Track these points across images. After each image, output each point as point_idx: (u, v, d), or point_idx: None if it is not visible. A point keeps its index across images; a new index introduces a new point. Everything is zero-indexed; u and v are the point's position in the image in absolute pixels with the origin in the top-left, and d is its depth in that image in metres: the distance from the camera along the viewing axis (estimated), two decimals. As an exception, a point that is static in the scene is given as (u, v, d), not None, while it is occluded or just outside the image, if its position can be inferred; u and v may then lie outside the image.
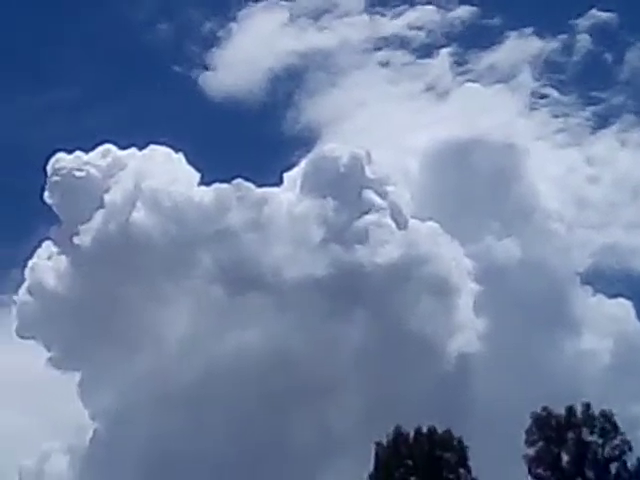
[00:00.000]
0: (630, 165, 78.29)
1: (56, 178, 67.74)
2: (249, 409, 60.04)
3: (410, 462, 47.53)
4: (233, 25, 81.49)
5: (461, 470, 47.31)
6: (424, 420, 48.24)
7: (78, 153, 68.47)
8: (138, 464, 61.32)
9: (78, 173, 67.41)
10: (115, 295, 64.94)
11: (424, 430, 47.80)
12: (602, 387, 60.84)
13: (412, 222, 66.36)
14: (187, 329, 64.32)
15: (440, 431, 47.85)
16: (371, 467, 47.89)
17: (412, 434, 47.69)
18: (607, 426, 47.94)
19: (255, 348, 62.35)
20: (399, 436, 47.68)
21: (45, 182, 68.04)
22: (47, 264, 67.52)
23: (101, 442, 63.45)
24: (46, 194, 67.94)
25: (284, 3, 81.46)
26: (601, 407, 48.56)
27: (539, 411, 48.20)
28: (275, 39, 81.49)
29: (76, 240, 65.72)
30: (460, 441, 47.52)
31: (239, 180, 66.61)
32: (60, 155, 68.40)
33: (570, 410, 47.95)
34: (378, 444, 47.64)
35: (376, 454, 47.81)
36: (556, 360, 64.19)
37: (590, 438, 48.01)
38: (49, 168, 68.10)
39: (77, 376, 64.88)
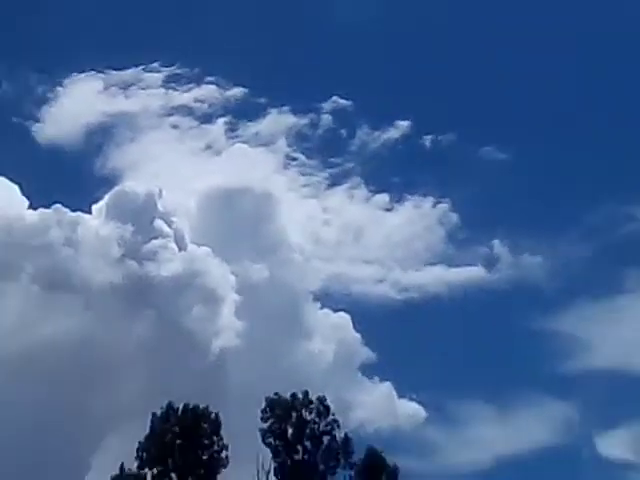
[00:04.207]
0: (354, 215, 78.69)
1: None
2: (60, 384, 58.26)
3: (177, 429, 47.51)
4: (60, 89, 79.41)
5: (214, 437, 47.61)
6: (191, 398, 48.15)
7: None
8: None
9: None
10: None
11: (190, 406, 47.81)
12: (325, 378, 61.13)
13: (190, 246, 66.96)
14: (11, 319, 62.63)
15: (202, 407, 47.93)
16: (147, 431, 47.65)
17: (181, 408, 47.78)
18: (321, 408, 48.87)
19: (65, 337, 60.79)
20: (170, 409, 47.78)
21: None
22: None
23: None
24: None
25: (100, 75, 79.53)
26: (321, 394, 49.35)
27: (272, 395, 48.96)
28: (91, 102, 79.67)
29: None
30: (216, 415, 47.89)
31: (58, 205, 66.79)
32: None
33: (294, 395, 48.90)
34: (153, 414, 47.65)
35: (151, 422, 47.55)
36: (292, 357, 64.34)
37: (309, 417, 48.84)
38: None
39: None
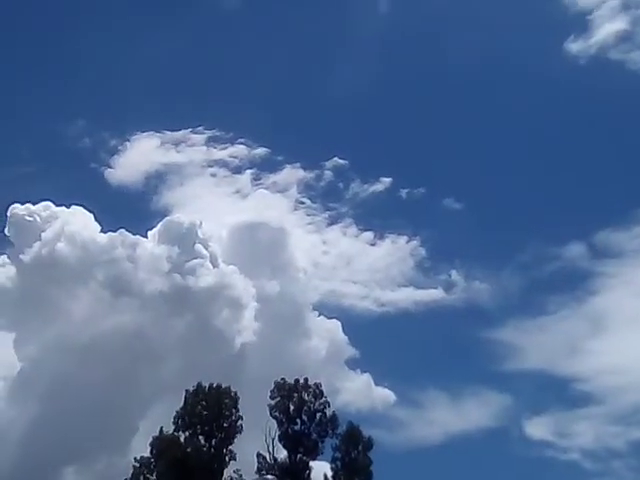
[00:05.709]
0: (346, 247, 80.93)
1: (13, 219, 67.92)
2: (118, 365, 60.23)
3: (204, 403, 49.34)
4: (127, 144, 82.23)
5: (233, 410, 49.48)
6: (218, 380, 49.90)
7: (28, 205, 68.70)
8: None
9: (28, 218, 67.89)
10: (45, 287, 66.02)
11: (215, 385, 49.47)
12: (319, 369, 62.42)
13: (222, 265, 67.74)
14: (85, 315, 64.57)
15: (224, 386, 49.61)
16: (181, 403, 49.48)
17: (207, 386, 49.47)
18: (317, 391, 50.45)
19: (124, 330, 62.75)
20: (199, 387, 49.59)
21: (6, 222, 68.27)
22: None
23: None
24: (7, 229, 68.03)
25: (157, 134, 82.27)
26: (317, 380, 50.90)
27: (279, 380, 50.55)
28: (150, 154, 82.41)
29: (21, 256, 66.64)
30: (235, 393, 49.67)
31: (122, 230, 68.12)
32: (16, 205, 68.44)
33: (296, 381, 50.56)
34: (187, 391, 49.58)
35: (185, 397, 49.44)
36: (295, 352, 65.71)
37: (307, 398, 50.45)
38: (9, 213, 68.16)
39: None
